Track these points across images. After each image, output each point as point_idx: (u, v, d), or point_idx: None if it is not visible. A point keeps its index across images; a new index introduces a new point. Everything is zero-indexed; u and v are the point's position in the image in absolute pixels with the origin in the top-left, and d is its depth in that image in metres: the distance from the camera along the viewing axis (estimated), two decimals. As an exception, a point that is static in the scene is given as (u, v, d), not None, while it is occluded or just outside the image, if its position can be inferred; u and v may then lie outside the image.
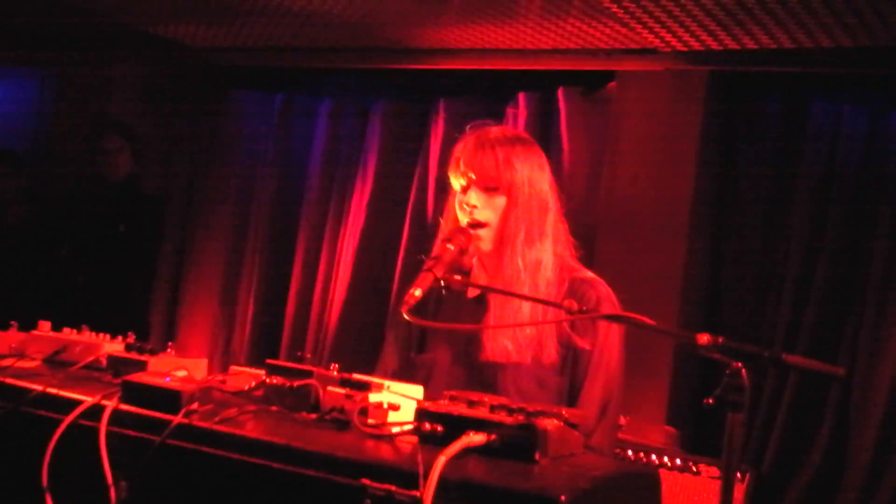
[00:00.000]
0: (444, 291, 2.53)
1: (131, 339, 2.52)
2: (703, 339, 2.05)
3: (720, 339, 2.04)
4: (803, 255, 4.09)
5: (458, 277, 2.47)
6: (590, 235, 4.07)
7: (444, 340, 2.59)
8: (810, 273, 4.07)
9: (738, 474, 2.97)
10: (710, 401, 1.96)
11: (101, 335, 2.57)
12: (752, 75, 4.21)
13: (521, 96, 4.66)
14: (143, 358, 2.33)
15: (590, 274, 2.59)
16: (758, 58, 4.08)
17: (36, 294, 5.00)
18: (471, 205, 2.53)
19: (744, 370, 1.96)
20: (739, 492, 2.96)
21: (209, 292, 5.48)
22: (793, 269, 4.10)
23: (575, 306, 2.27)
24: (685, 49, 4.15)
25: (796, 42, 3.87)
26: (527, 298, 2.45)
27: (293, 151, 5.41)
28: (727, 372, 1.97)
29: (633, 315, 2.24)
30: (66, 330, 2.62)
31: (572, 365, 2.49)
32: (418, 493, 1.70)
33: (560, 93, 4.57)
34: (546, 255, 2.53)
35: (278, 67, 5.38)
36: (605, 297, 2.53)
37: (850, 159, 4.06)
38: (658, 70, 4.28)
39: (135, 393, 2.11)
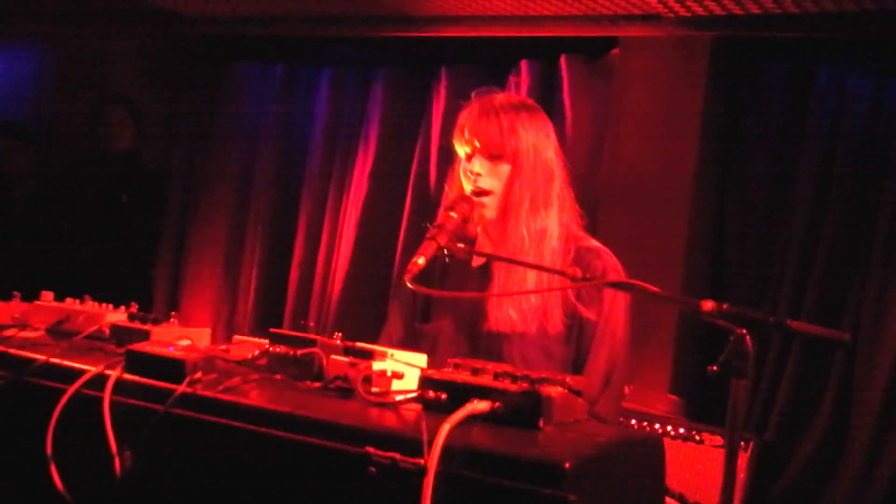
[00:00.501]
0: (447, 260, 2.52)
1: (134, 308, 2.51)
2: (708, 305, 2.05)
3: (724, 306, 2.04)
4: (807, 222, 4.07)
5: (461, 246, 2.46)
6: (593, 204, 4.05)
7: (449, 310, 2.59)
8: (814, 240, 4.05)
9: (742, 443, 2.97)
10: (714, 368, 1.96)
11: (104, 305, 2.57)
12: (756, 41, 4.18)
13: (524, 64, 4.62)
14: (146, 328, 2.33)
15: (595, 243, 2.58)
16: (762, 23, 4.04)
17: (40, 266, 4.99)
18: (475, 172, 2.51)
19: (748, 336, 1.96)
20: (743, 460, 2.97)
21: (212, 263, 5.47)
22: (797, 236, 4.09)
23: (579, 274, 2.26)
24: (688, 14, 4.11)
25: (800, 7, 3.83)
26: (531, 266, 2.44)
27: (295, 122, 5.39)
28: (731, 338, 1.96)
29: (637, 282, 2.23)
30: (69, 300, 2.62)
31: (578, 334, 2.49)
32: (422, 461, 1.70)
33: (563, 60, 4.53)
34: (551, 224, 2.51)
35: (279, 37, 5.35)
36: (611, 266, 2.52)
37: (855, 125, 4.04)
38: (661, 36, 4.25)
39: (138, 362, 2.11)
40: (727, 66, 4.25)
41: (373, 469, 1.75)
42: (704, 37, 4.18)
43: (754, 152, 4.24)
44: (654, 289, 2.20)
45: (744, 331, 1.97)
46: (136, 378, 2.09)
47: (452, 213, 2.47)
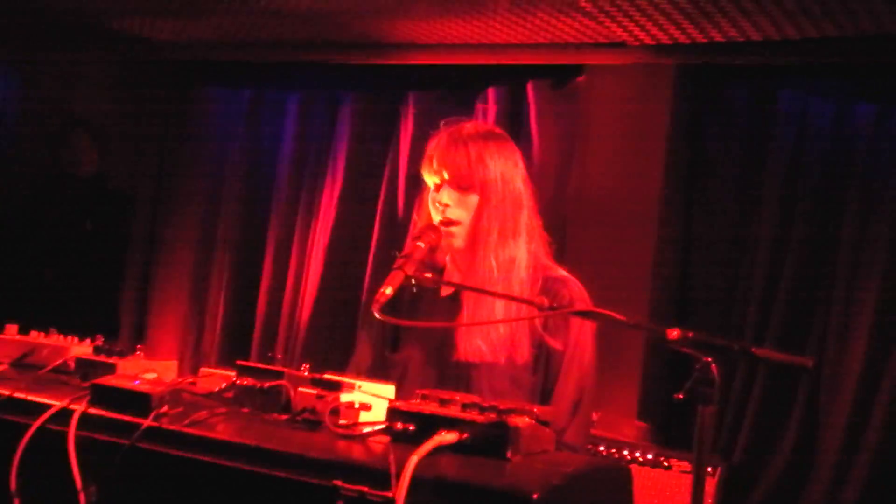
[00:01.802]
0: (415, 290, 2.53)
1: (100, 341, 2.49)
2: (674, 333, 2.06)
3: (690, 334, 2.05)
4: (772, 245, 4.11)
5: (429, 275, 2.47)
6: (561, 228, 4.07)
7: (418, 339, 2.59)
8: (780, 263, 4.09)
9: (709, 468, 2.99)
10: (681, 395, 1.98)
11: (70, 338, 2.55)
12: (719, 67, 4.23)
13: (491, 91, 4.65)
14: (111, 360, 2.31)
15: (563, 272, 2.59)
16: (725, 50, 4.09)
17: (2, 294, 4.94)
18: (443, 203, 2.52)
19: (713, 364, 1.98)
20: (710, 485, 2.98)
21: (179, 291, 5.43)
22: (762, 259, 4.12)
23: (546, 303, 2.27)
24: (653, 42, 4.16)
25: (763, 33, 3.88)
26: (499, 296, 2.45)
27: (262, 147, 5.37)
28: (697, 366, 1.98)
29: (603, 311, 2.25)
30: (34, 333, 2.59)
31: (545, 364, 2.49)
32: (391, 494, 1.70)
33: (530, 86, 4.56)
34: (520, 254, 2.52)
35: (246, 62, 5.34)
36: (578, 295, 2.53)
37: (818, 149, 4.09)
38: (627, 63, 4.29)
39: (104, 396, 2.09)
40: (692, 90, 4.30)
41: (341, 502, 1.75)
42: (669, 63, 4.23)
43: (719, 176, 4.28)
44: (621, 317, 2.21)
45: (709, 359, 1.99)
46: (102, 412, 2.07)
47: (420, 243, 2.48)
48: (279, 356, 2.16)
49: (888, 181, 3.95)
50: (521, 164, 2.60)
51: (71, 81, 5.74)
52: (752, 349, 2.07)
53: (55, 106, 5.67)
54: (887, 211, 3.94)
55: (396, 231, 4.73)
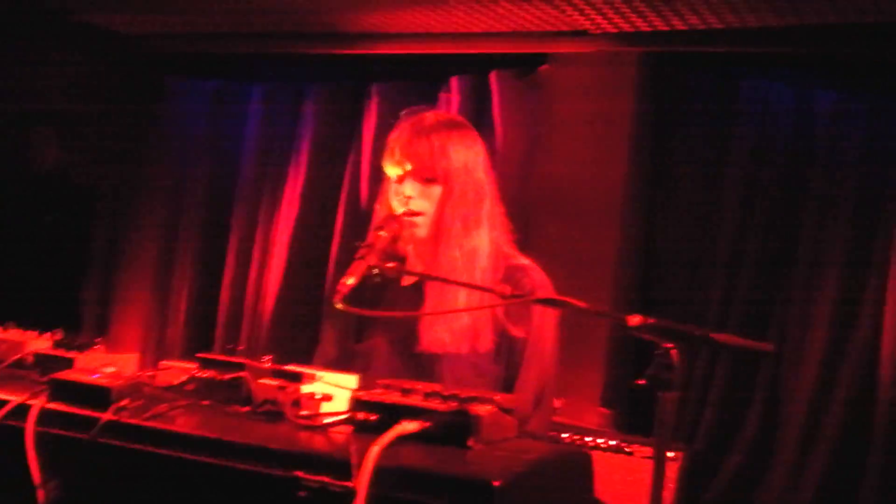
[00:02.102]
0: (378, 280, 2.52)
1: (59, 335, 2.47)
2: (635, 320, 2.07)
3: (651, 321, 2.07)
4: (734, 232, 4.14)
5: (391, 265, 2.46)
6: (524, 218, 4.08)
7: (382, 329, 2.59)
8: (742, 250, 4.12)
9: (672, 453, 3.01)
10: (642, 381, 1.99)
11: (28, 332, 2.52)
12: (682, 55, 4.25)
13: (454, 80, 4.64)
14: (70, 355, 2.29)
15: (525, 261, 2.60)
16: (687, 38, 4.11)
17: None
18: (406, 195, 2.52)
19: (674, 350, 1.99)
20: (672, 470, 3.00)
21: (142, 284, 5.39)
22: (724, 246, 4.15)
23: (508, 291, 2.27)
24: (615, 31, 4.17)
25: (724, 22, 3.91)
26: (461, 285, 2.45)
27: (226, 139, 5.34)
28: (657, 352, 1.99)
29: (565, 298, 2.25)
30: (-8, 328, 2.57)
31: (507, 353, 2.50)
32: (352, 484, 1.70)
33: (493, 76, 4.56)
34: (482, 243, 2.53)
35: (211, 54, 5.30)
36: (540, 283, 2.54)
37: (779, 136, 4.12)
38: (590, 52, 4.30)
39: (62, 391, 2.08)
40: (655, 79, 4.31)
41: (303, 493, 1.74)
42: (631, 51, 4.24)
43: (682, 164, 4.30)
44: (583, 304, 2.22)
45: (670, 345, 2.00)
46: (61, 407, 2.05)
47: (382, 233, 2.48)
48: (241, 348, 2.15)
49: (848, 167, 3.99)
50: (483, 153, 2.61)
51: (33, 75, 5.67)
52: (713, 335, 2.09)
53: (17, 100, 5.60)
54: (848, 196, 3.98)
55: (360, 222, 4.70)
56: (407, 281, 2.62)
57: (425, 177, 2.51)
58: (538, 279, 2.54)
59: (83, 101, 5.56)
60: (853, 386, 3.87)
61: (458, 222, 2.51)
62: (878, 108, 3.98)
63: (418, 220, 2.53)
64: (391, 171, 2.57)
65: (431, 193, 2.52)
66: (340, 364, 2.57)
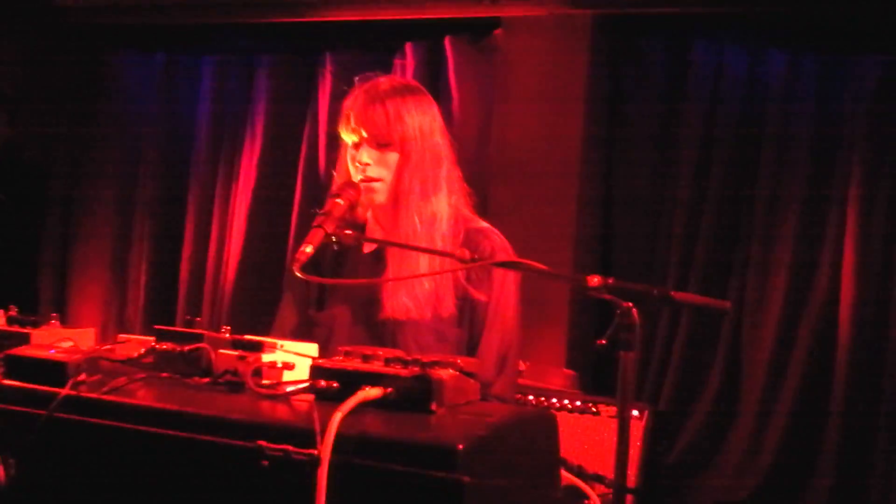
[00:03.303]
0: (336, 248, 2.50)
1: (13, 311, 2.43)
2: (594, 280, 2.08)
3: (610, 281, 2.08)
4: (691, 192, 4.17)
5: (349, 232, 2.44)
6: (482, 183, 4.07)
7: (343, 298, 2.57)
8: (699, 209, 4.16)
9: (637, 412, 3.03)
10: (603, 342, 2.00)
11: (-19, 310, 2.48)
12: (635, 17, 4.24)
13: (409, 46, 4.61)
14: (25, 331, 2.26)
15: (484, 224, 2.59)
16: (640, 1, 4.11)
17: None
18: (363, 163, 2.49)
19: (634, 310, 2.00)
20: (638, 429, 3.02)
21: (99, 260, 5.34)
22: (681, 206, 4.18)
23: (468, 255, 2.27)
24: (569, -7, 4.16)
25: (677, -17, 3.92)
26: (422, 250, 2.44)
27: (178, 112, 5.28)
28: (618, 312, 2.00)
29: (525, 261, 2.25)
30: (-56, 306, 2.52)
31: (470, 317, 2.50)
32: (316, 452, 1.69)
33: (447, 41, 4.54)
34: (441, 208, 2.52)
35: (159, 25, 5.22)
36: (500, 246, 2.53)
37: (733, 97, 4.15)
38: (543, 15, 4.29)
39: (18, 367, 2.04)
40: (608, 42, 4.31)
41: (265, 462, 1.73)
42: (585, 14, 4.23)
43: (638, 126, 4.32)
44: (542, 266, 2.22)
45: (629, 304, 2.01)
46: (17, 383, 2.02)
47: (339, 200, 2.45)
48: (198, 319, 2.12)
49: (801, 126, 4.03)
50: (438, 117, 2.59)
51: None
52: (671, 293, 2.10)
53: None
54: (802, 156, 4.02)
55: (318, 191, 4.68)
56: (368, 248, 2.60)
57: (381, 143, 2.49)
58: (498, 242, 2.54)
59: (29, 78, 5.46)
60: (812, 341, 3.93)
61: (417, 188, 2.50)
62: (830, 65, 4.01)
63: (376, 185, 2.51)
64: (347, 137, 2.54)
65: (388, 160, 2.50)
66: (301, 333, 2.56)
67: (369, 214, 2.61)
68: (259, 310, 4.76)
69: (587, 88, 4.24)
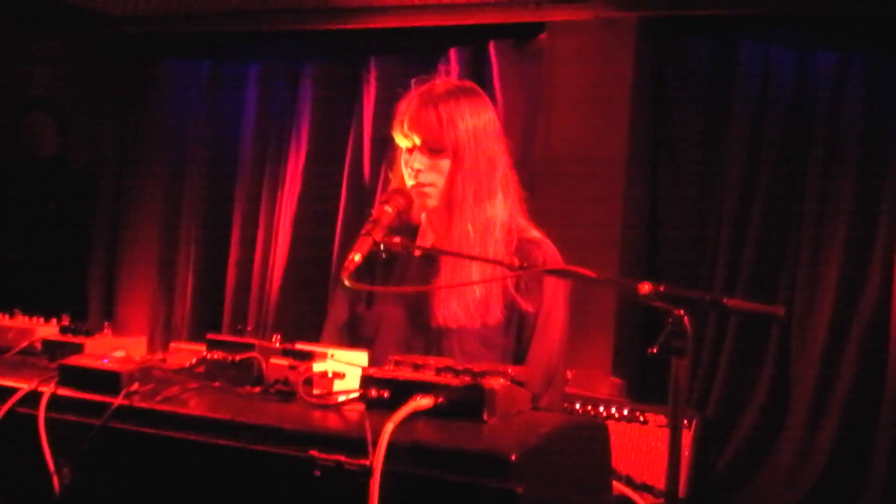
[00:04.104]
0: (384, 255, 2.50)
1: (66, 321, 2.46)
2: (645, 288, 2.05)
3: (661, 288, 2.05)
4: (739, 196, 4.13)
5: (397, 240, 2.44)
6: (528, 189, 4.04)
7: (393, 298, 2.56)
8: (746, 212, 4.11)
9: (685, 421, 3.00)
10: (654, 349, 1.97)
11: (35, 319, 2.51)
12: (680, 19, 4.21)
13: (453, 52, 4.61)
14: (79, 340, 2.28)
15: (536, 234, 2.56)
16: (685, 2, 4.08)
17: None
18: (416, 168, 2.48)
19: (685, 317, 1.97)
20: (687, 438, 2.99)
21: (147, 266, 5.40)
22: (729, 210, 4.14)
23: (517, 263, 2.25)
24: (614, -4, 4.15)
25: (723, -16, 3.88)
26: (469, 258, 2.42)
27: (224, 119, 5.32)
28: (669, 319, 1.98)
29: (574, 268, 2.24)
30: (-2, 315, 2.55)
31: (518, 326, 2.48)
32: (368, 462, 1.69)
33: (491, 46, 4.53)
34: (496, 213, 2.49)
35: (204, 34, 5.27)
36: (552, 257, 2.50)
37: (781, 98, 4.10)
38: (588, 18, 4.27)
39: (72, 377, 2.06)
40: (654, 44, 4.28)
41: (318, 472, 1.73)
42: (630, 17, 4.21)
43: (684, 128, 4.29)
44: (592, 273, 2.20)
45: (681, 311, 1.98)
46: (71, 393, 2.04)
47: (387, 208, 2.45)
48: (249, 328, 2.13)
49: (850, 127, 3.97)
50: (494, 120, 2.56)
51: (27, 60, 5.64)
52: (724, 300, 2.07)
53: (13, 86, 5.56)
54: (851, 157, 3.96)
55: (364, 197, 4.70)
56: (420, 251, 2.58)
57: (433, 149, 2.47)
58: (550, 253, 2.51)
59: (77, 86, 5.53)
60: (863, 348, 3.86)
61: (470, 194, 2.47)
62: (878, 65, 3.95)
63: (428, 190, 2.49)
64: (401, 142, 2.52)
65: (440, 166, 2.47)
66: (350, 328, 2.55)
67: (423, 216, 2.59)
68: (305, 314, 4.79)
69: (632, 91, 4.22)
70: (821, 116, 4.04)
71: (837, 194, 3.97)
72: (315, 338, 2.60)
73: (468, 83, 2.65)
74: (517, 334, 2.48)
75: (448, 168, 2.47)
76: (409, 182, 2.49)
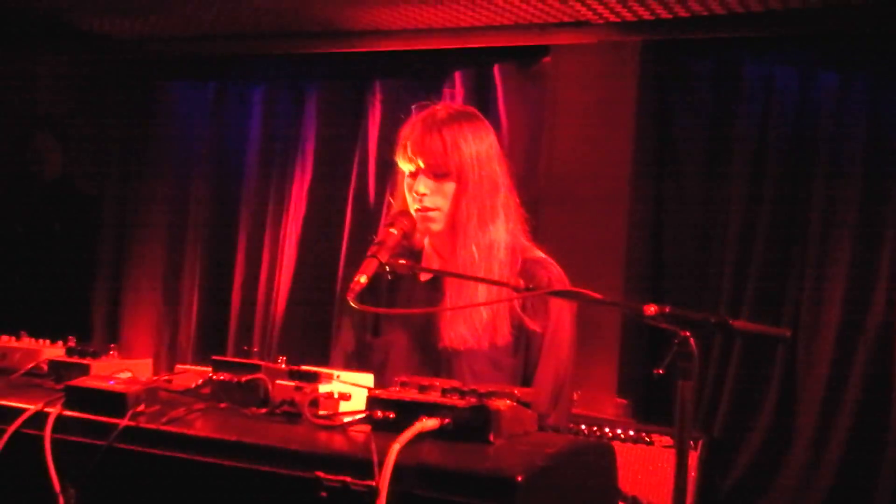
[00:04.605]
0: (389, 277, 2.51)
1: (72, 342, 2.46)
2: (650, 309, 2.06)
3: (667, 309, 2.05)
4: (743, 216, 4.13)
5: (403, 262, 2.44)
6: (532, 211, 4.05)
7: (399, 325, 2.57)
8: (751, 232, 4.11)
9: (691, 442, 3.00)
10: (660, 371, 1.98)
11: (41, 340, 2.52)
12: (684, 41, 4.23)
13: (457, 75, 4.63)
14: (85, 361, 2.28)
15: (540, 254, 2.57)
16: (689, 25, 4.10)
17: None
18: (420, 192, 2.49)
19: (691, 338, 1.98)
20: (693, 459, 2.99)
21: (151, 289, 5.40)
22: (733, 231, 4.14)
23: (523, 285, 2.26)
24: (617, 20, 4.16)
25: (726, 8, 3.89)
26: (477, 280, 2.43)
27: (229, 140, 5.34)
28: (675, 341, 1.98)
29: (579, 290, 2.24)
30: (4, 337, 2.56)
31: (525, 347, 2.48)
32: (374, 483, 1.69)
33: (496, 69, 4.55)
34: (499, 235, 2.50)
35: (209, 56, 5.30)
36: (556, 277, 2.51)
37: (784, 119, 4.11)
38: (592, 42, 4.29)
39: (78, 398, 2.06)
40: (657, 67, 4.30)
41: (324, 493, 1.73)
42: (634, 40, 4.23)
43: (688, 149, 4.29)
44: (598, 295, 2.21)
45: (687, 333, 1.99)
46: (78, 414, 2.04)
47: (392, 230, 2.46)
48: (255, 350, 2.13)
49: (853, 147, 3.97)
50: (496, 144, 2.58)
51: (32, 82, 5.66)
52: (730, 321, 2.08)
53: (17, 107, 5.59)
54: (855, 178, 3.97)
55: (369, 219, 4.71)
56: (425, 275, 2.59)
57: (438, 173, 2.48)
58: (555, 273, 2.52)
59: (83, 108, 5.55)
60: (869, 366, 3.85)
61: (474, 216, 2.48)
62: (881, 85, 3.96)
63: (433, 214, 2.50)
64: (404, 166, 2.54)
65: (445, 189, 2.49)
66: (359, 357, 2.56)
67: (426, 241, 2.60)
68: (310, 336, 4.79)
69: (636, 114, 4.23)
70: (824, 136, 4.04)
71: (841, 213, 3.97)
72: (320, 359, 2.60)
73: (469, 108, 2.68)
74: (525, 354, 2.48)
75: (452, 192, 2.48)
76: (414, 206, 2.50)
